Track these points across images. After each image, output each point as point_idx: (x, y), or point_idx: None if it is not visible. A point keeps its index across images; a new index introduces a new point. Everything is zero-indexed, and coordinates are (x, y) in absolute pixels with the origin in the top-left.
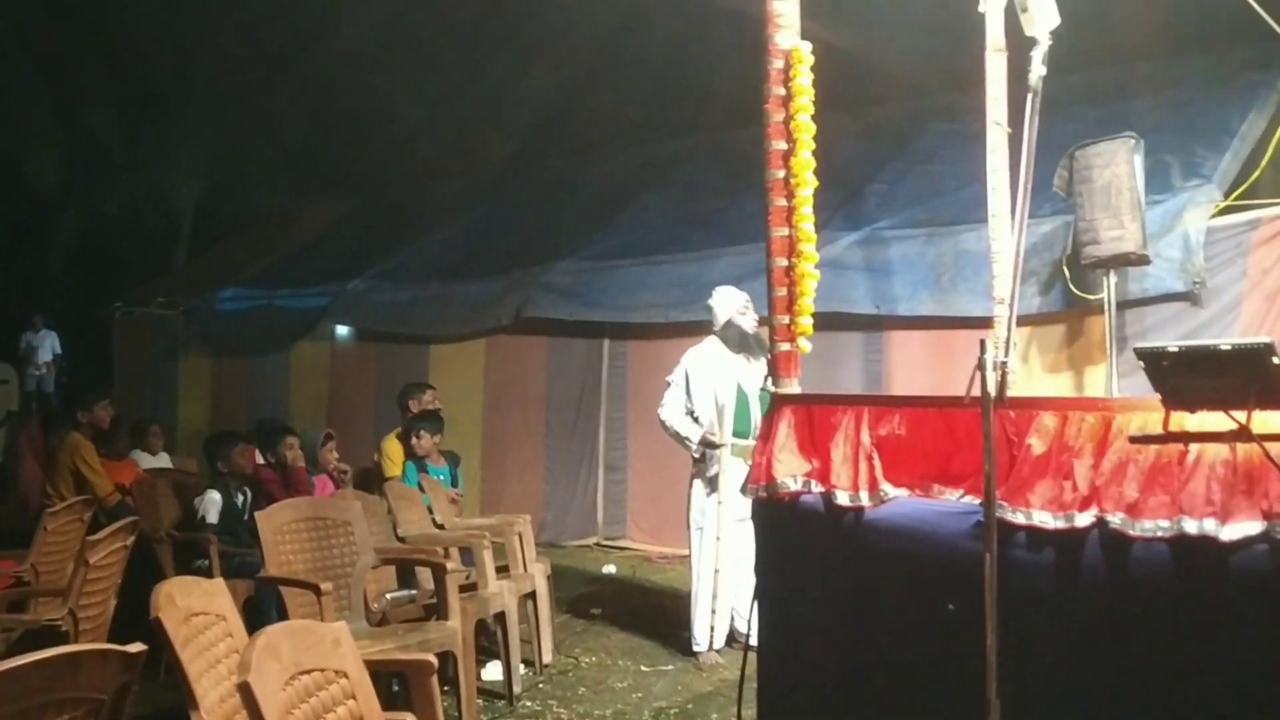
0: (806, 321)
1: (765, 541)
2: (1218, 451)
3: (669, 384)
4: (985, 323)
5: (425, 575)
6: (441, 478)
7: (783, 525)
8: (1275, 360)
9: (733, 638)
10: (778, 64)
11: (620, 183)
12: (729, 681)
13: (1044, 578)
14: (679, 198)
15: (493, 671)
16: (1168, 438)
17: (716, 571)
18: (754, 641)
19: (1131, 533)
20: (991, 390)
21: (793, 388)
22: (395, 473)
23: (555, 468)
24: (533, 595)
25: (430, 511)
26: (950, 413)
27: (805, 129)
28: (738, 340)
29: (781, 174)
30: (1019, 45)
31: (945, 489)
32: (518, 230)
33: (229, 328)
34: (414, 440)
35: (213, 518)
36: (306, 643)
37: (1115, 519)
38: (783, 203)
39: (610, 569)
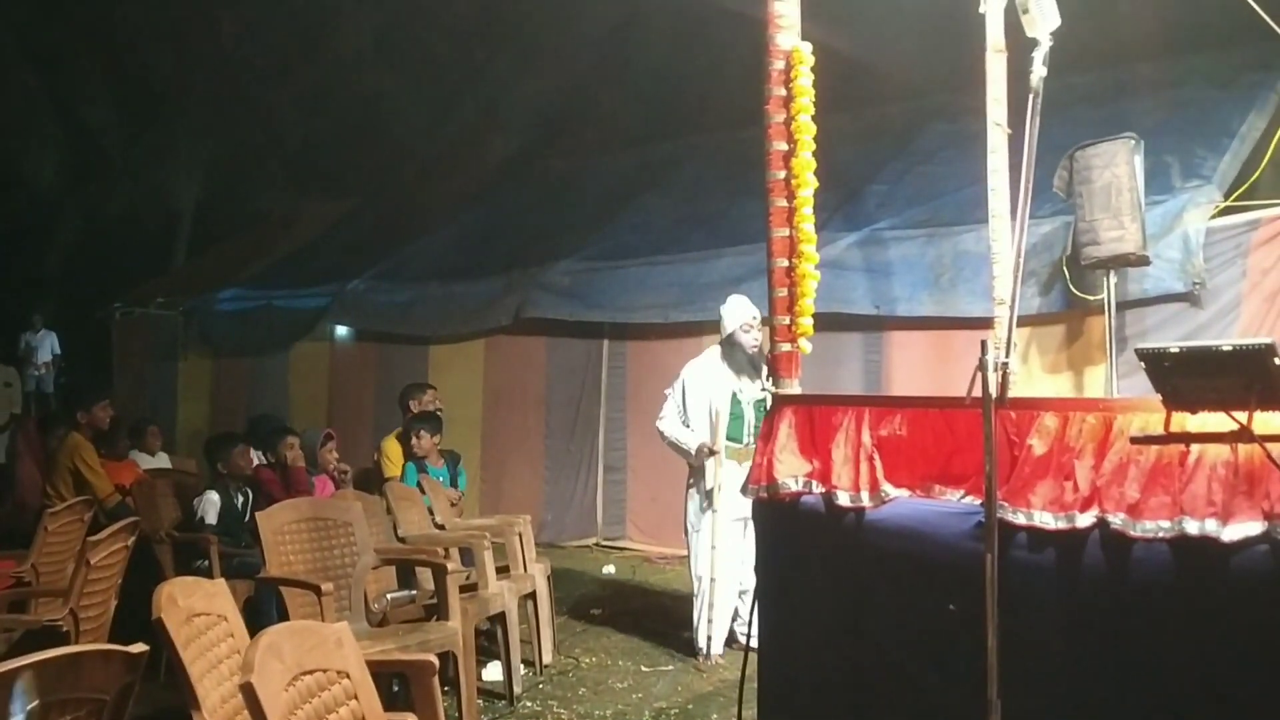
0: (807, 322)
1: (766, 542)
2: (1219, 452)
3: (667, 396)
4: (985, 323)
5: (425, 575)
6: (441, 479)
7: (783, 526)
8: (1276, 361)
9: (733, 638)
10: (778, 65)
11: (620, 183)
12: (729, 682)
13: (1045, 578)
14: (679, 198)
15: (493, 672)
16: (1169, 438)
17: (713, 581)
18: (754, 642)
19: (1132, 533)
20: (993, 391)
21: (793, 388)
22: (395, 473)
23: (555, 468)
24: (533, 596)
25: (430, 512)
26: (951, 413)
27: (806, 130)
28: (735, 356)
29: (782, 175)
30: (1019, 46)
31: (946, 489)
32: (518, 230)
33: (228, 328)
34: (413, 441)
35: (211, 518)
36: (309, 643)
37: (1116, 519)
38: (783, 203)
39: (610, 569)
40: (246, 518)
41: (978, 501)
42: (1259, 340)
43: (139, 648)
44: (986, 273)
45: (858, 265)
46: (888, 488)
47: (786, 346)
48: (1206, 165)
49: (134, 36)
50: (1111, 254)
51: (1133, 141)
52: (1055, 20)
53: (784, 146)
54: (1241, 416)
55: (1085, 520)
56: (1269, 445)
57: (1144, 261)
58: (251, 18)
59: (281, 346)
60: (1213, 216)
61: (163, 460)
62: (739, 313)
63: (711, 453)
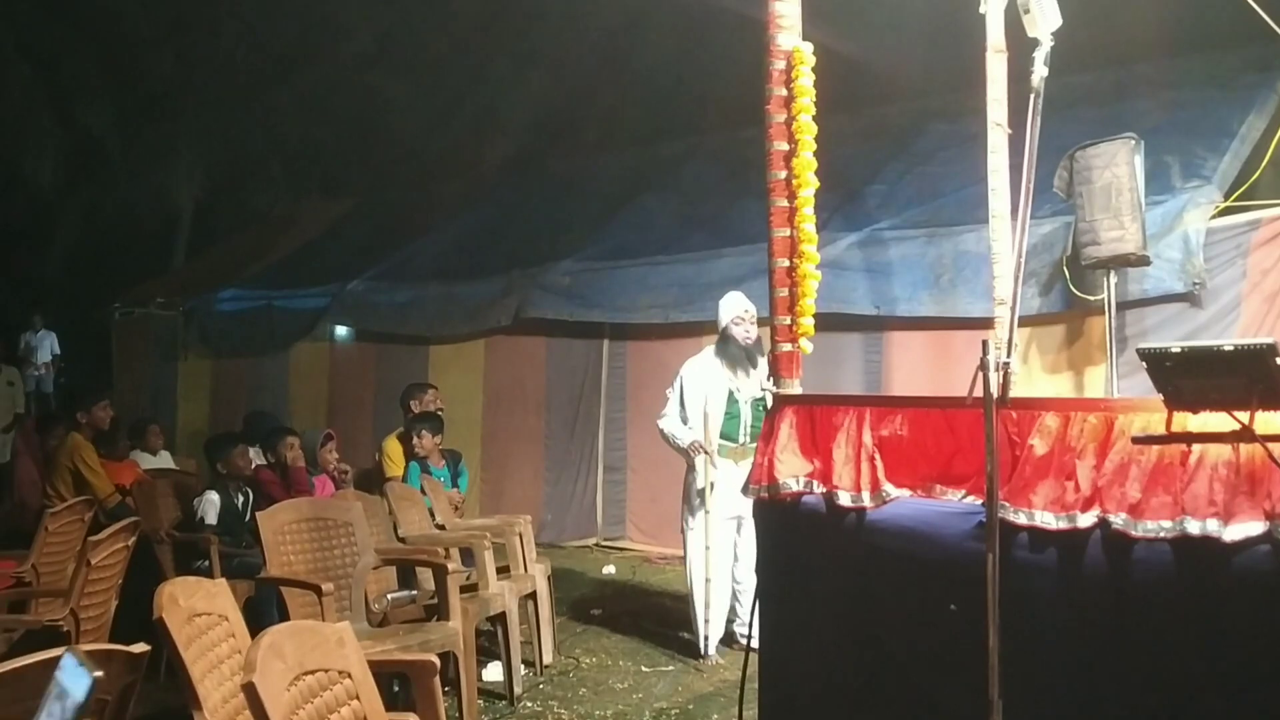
0: (808, 322)
1: (767, 542)
2: (1220, 452)
3: (669, 396)
4: (985, 323)
5: (426, 576)
6: (443, 479)
7: (784, 526)
8: (1278, 361)
9: (732, 639)
10: (779, 65)
11: (620, 183)
12: (730, 682)
13: (1046, 578)
14: (679, 199)
15: (493, 672)
16: (1170, 438)
17: (708, 581)
18: (755, 642)
19: (1134, 533)
20: (994, 391)
21: (794, 388)
22: (397, 473)
23: (555, 468)
24: (533, 596)
25: (431, 512)
26: (952, 413)
27: (807, 130)
28: (730, 350)
29: (783, 175)
30: (1020, 46)
31: (947, 489)
32: (518, 230)
33: (228, 328)
34: (415, 441)
35: (211, 518)
36: (310, 643)
37: (1118, 519)
38: (784, 203)
39: (610, 570)
40: (247, 518)
41: (979, 501)
42: (1261, 340)
43: (140, 647)
44: (987, 273)
45: (858, 265)
46: (889, 488)
47: (787, 346)
48: (1207, 165)
49: (134, 36)
50: (1112, 254)
51: (1133, 141)
52: (1056, 20)
53: (785, 146)
54: (1243, 416)
55: (1087, 520)
56: (1270, 445)
57: (1144, 262)
58: (252, 18)
59: (281, 346)
60: (1213, 217)
61: (165, 459)
62: (732, 306)
63: (703, 450)
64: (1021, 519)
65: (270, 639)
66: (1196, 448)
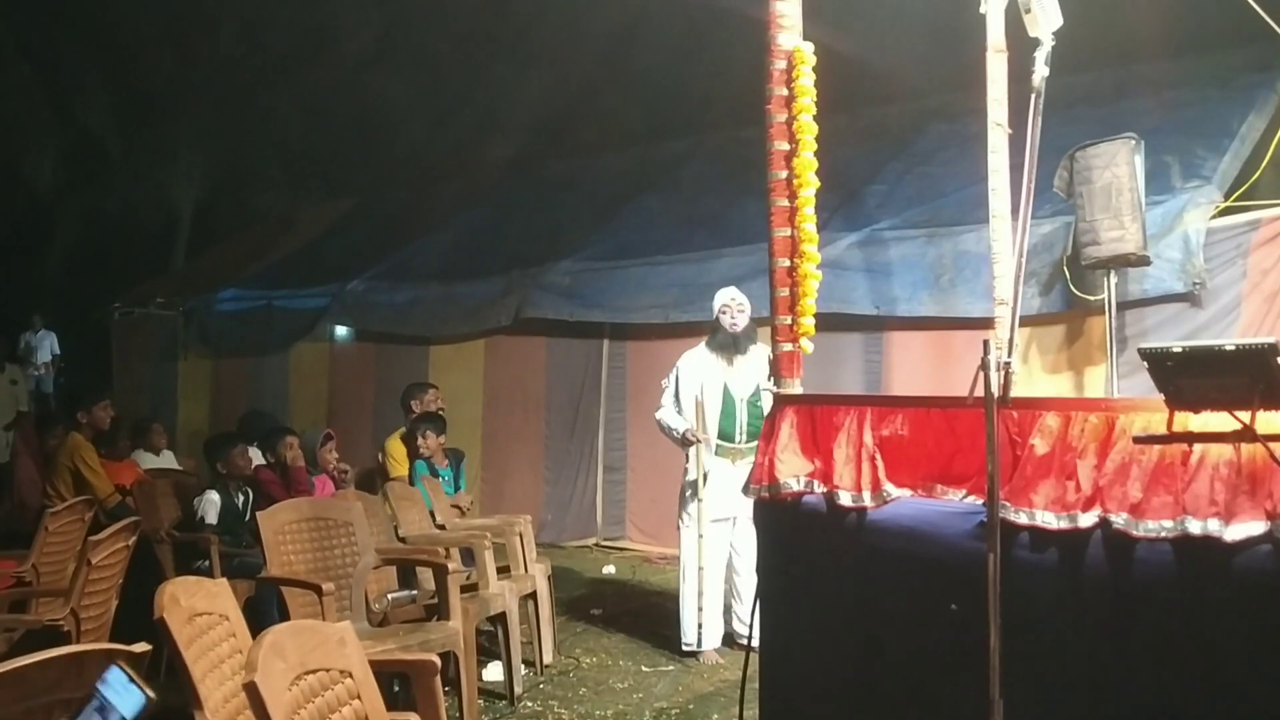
0: (809, 322)
1: (767, 542)
2: (1221, 452)
3: (664, 387)
4: (985, 324)
5: (426, 575)
6: (446, 478)
7: (785, 526)
8: (1279, 360)
9: (732, 639)
10: (780, 65)
11: (620, 184)
12: (730, 682)
13: (1047, 578)
14: (678, 199)
15: (494, 672)
16: (1171, 438)
17: (701, 569)
18: (755, 642)
19: (1135, 533)
20: (995, 390)
21: (795, 388)
22: (401, 473)
23: (554, 468)
24: (533, 596)
25: (431, 512)
26: (953, 413)
27: (808, 129)
28: (719, 339)
29: (784, 174)
30: (1020, 46)
31: (948, 489)
32: (518, 230)
33: (228, 328)
34: (420, 441)
35: (211, 518)
36: (312, 643)
37: (1119, 519)
38: (785, 203)
39: (610, 570)
40: (247, 517)
41: (980, 501)
42: (1262, 340)
43: (142, 647)
44: (987, 273)
45: (858, 265)
46: (889, 488)
47: (788, 346)
48: (1207, 165)
49: (134, 36)
50: (1112, 254)
51: (1133, 141)
52: (1057, 20)
53: (786, 146)
54: (1244, 416)
55: (1088, 520)
56: (1272, 445)
57: (1144, 262)
58: (251, 18)
59: (281, 346)
60: (1213, 217)
61: (168, 459)
62: (720, 296)
63: (696, 439)
64: (1022, 519)
65: (272, 638)
66: (1198, 447)
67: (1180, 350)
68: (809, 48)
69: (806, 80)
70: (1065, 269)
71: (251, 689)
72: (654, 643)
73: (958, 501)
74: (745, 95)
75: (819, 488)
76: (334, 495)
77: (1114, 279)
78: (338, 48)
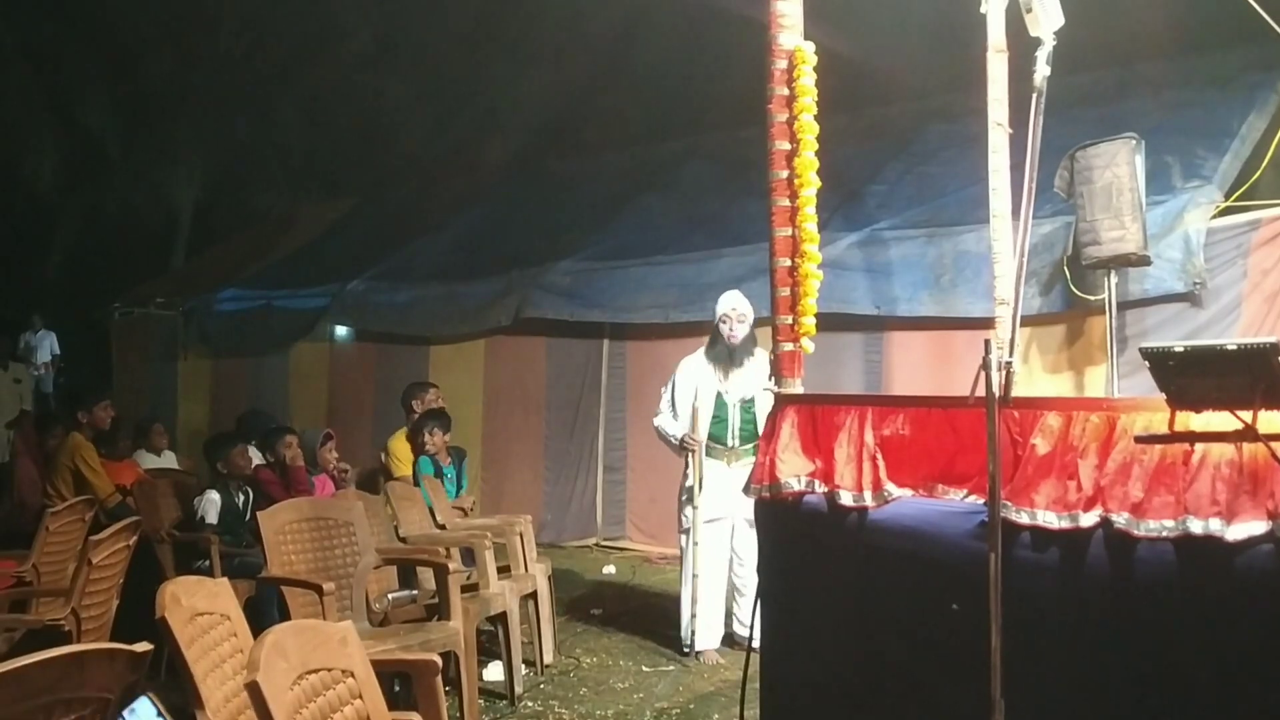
0: (810, 322)
1: (768, 542)
2: (1223, 451)
3: (662, 394)
4: (985, 324)
5: (426, 575)
6: (450, 475)
7: (786, 526)
8: None
9: (732, 639)
10: (781, 64)
11: (620, 183)
12: (730, 682)
13: (1048, 578)
14: (679, 199)
15: (494, 672)
16: (1173, 437)
17: (695, 576)
18: (756, 642)
19: (1136, 533)
20: (997, 390)
21: (796, 388)
22: (405, 472)
23: (555, 468)
24: (534, 596)
25: (431, 512)
26: (954, 413)
27: (809, 129)
28: (716, 349)
29: (785, 174)
30: (1020, 46)
31: (949, 489)
32: (518, 230)
33: (228, 328)
34: (427, 438)
35: (212, 518)
36: (313, 642)
37: (1120, 519)
38: (786, 203)
39: (610, 570)
40: (247, 517)
41: (981, 501)
42: (1264, 339)
43: (143, 646)
44: (987, 273)
45: (858, 265)
46: (890, 487)
47: (789, 346)
48: (1207, 165)
49: (134, 37)
50: (1112, 254)
51: (1133, 141)
52: (1059, 19)
53: (786, 146)
54: (1246, 415)
55: (1089, 520)
56: (1273, 444)
57: (1145, 261)
58: (252, 18)
59: (281, 346)
60: (1213, 217)
61: (169, 459)
62: (721, 304)
63: (693, 445)
64: (1024, 518)
65: (274, 638)
66: (1199, 447)
67: (1182, 350)
68: (810, 47)
69: (808, 80)
70: (1066, 269)
71: (254, 688)
72: (654, 643)
73: (959, 501)
74: (745, 95)
75: (820, 487)
76: (334, 495)
77: (1114, 279)
78: (338, 47)
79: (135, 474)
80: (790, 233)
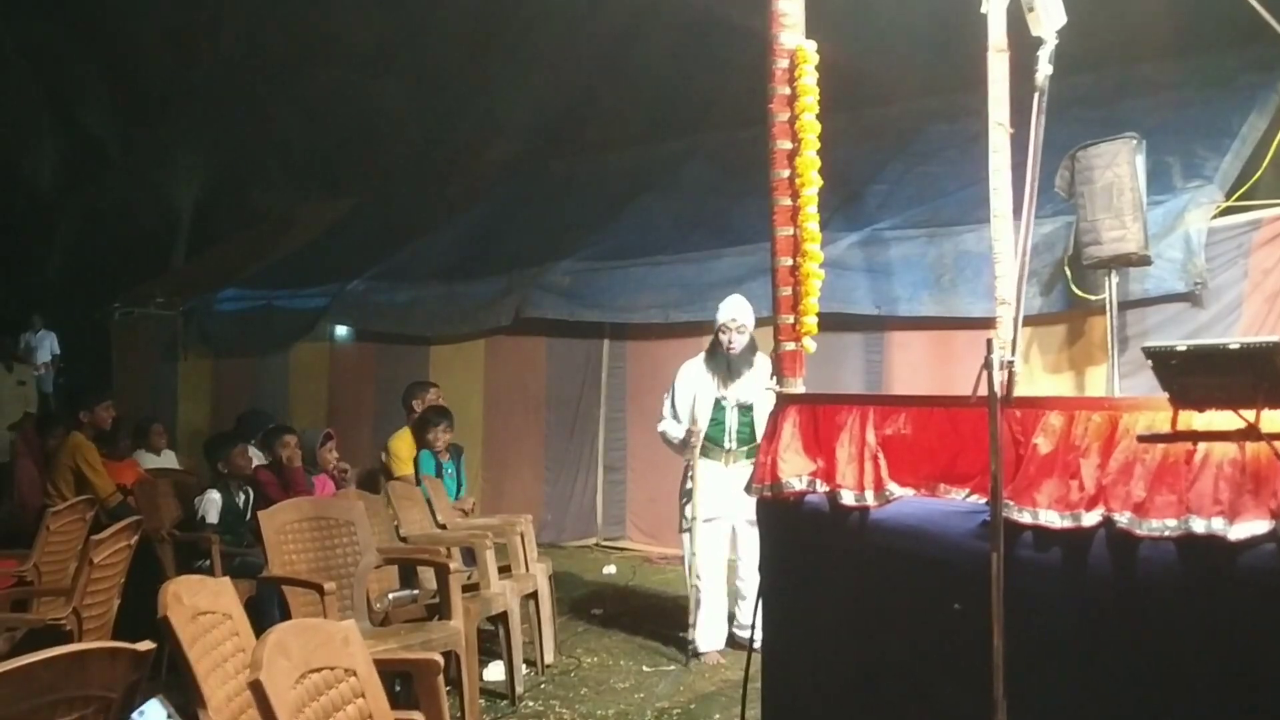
0: (811, 321)
1: (770, 542)
2: (1226, 450)
3: (664, 401)
4: (986, 323)
5: (427, 575)
6: (450, 471)
7: (788, 525)
8: None
9: (733, 639)
10: (782, 64)
11: (620, 184)
12: (732, 682)
13: (1050, 577)
14: (679, 199)
15: (495, 671)
16: (1175, 437)
17: (698, 578)
18: (757, 642)
19: (1138, 532)
20: (999, 389)
21: (797, 387)
22: (406, 471)
23: (555, 468)
24: (534, 595)
25: (431, 511)
26: (956, 412)
27: (810, 128)
28: (715, 356)
29: (786, 174)
30: (1021, 45)
31: (951, 488)
32: (518, 230)
33: (228, 328)
34: (432, 433)
35: (212, 518)
36: (316, 641)
37: (1122, 518)
38: (787, 202)
39: (610, 570)
40: (248, 517)
41: (983, 500)
42: (1267, 338)
43: (146, 645)
44: (988, 273)
45: (859, 265)
46: (892, 487)
47: (791, 345)
48: (1208, 165)
49: (134, 37)
50: (1113, 254)
51: (1134, 141)
52: (1061, 18)
53: (788, 145)
54: (1249, 415)
55: (1091, 519)
56: (1276, 443)
57: (1146, 261)
58: (252, 18)
59: (281, 346)
60: (1214, 216)
61: (169, 459)
62: (721, 313)
63: (698, 437)
64: (1026, 518)
65: (276, 637)
66: (1202, 446)
67: (1184, 349)
68: (811, 46)
69: (809, 79)
70: (1066, 269)
71: (257, 687)
72: (655, 642)
73: (961, 501)
74: (746, 95)
75: (821, 487)
76: (335, 495)
77: (1115, 279)
78: (338, 48)
79: (136, 474)
80: (792, 232)
